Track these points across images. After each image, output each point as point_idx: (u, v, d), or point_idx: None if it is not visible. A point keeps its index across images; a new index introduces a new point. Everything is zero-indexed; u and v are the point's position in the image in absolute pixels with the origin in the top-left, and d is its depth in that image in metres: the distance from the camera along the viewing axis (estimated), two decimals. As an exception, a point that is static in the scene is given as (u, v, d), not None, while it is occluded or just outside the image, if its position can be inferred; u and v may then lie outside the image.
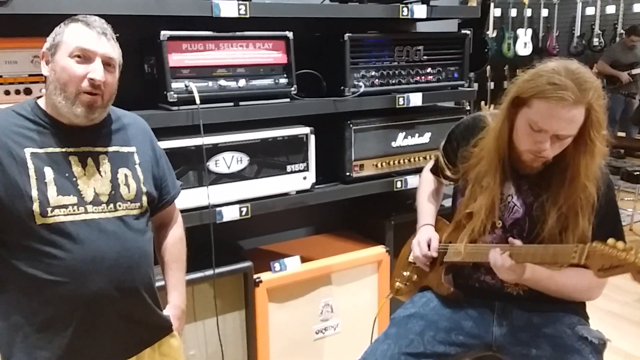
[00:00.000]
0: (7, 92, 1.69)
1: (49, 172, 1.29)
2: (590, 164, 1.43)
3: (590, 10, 7.93)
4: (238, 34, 1.96)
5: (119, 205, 1.38)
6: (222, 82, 1.94)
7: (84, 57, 1.30)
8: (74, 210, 1.30)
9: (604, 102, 1.39)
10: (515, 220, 1.58)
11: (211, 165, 1.96)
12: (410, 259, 1.83)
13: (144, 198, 1.44)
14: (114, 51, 1.35)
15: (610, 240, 1.30)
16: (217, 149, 1.96)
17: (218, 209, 1.98)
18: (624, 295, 3.35)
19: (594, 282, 1.49)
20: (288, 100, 2.10)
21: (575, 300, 1.61)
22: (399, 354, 1.59)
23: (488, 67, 6.99)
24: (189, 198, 1.91)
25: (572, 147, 1.43)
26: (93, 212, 1.33)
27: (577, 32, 8.00)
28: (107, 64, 1.33)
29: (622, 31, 7.33)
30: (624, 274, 1.30)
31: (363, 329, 2.36)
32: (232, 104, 1.98)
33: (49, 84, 1.32)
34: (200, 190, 1.94)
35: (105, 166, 1.38)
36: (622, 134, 6.85)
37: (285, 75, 2.07)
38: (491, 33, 7.55)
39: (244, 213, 2.03)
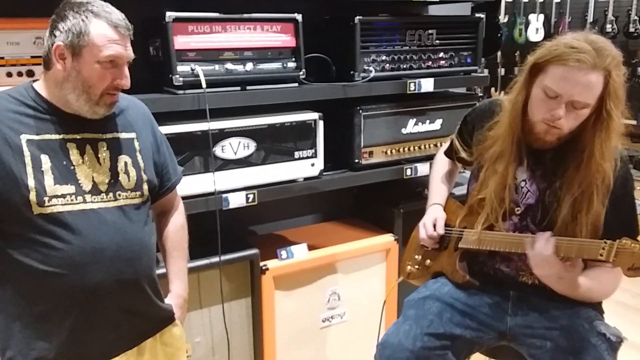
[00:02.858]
0: (9, 74, 1.66)
1: (45, 160, 1.25)
2: (606, 141, 1.39)
3: (603, -4, 7.79)
4: (245, 15, 1.91)
5: (119, 195, 1.34)
6: (229, 66, 1.90)
7: (113, 64, 1.27)
8: (72, 200, 1.27)
9: (623, 73, 1.35)
10: (528, 206, 1.55)
11: (217, 150, 1.93)
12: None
13: (145, 186, 1.41)
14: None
15: None
16: (223, 134, 1.93)
17: (224, 195, 1.95)
18: (635, 285, 3.31)
19: (617, 283, 1.48)
20: (296, 84, 2.05)
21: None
22: (421, 334, 1.57)
23: (499, 53, 6.89)
24: (194, 184, 1.88)
25: (588, 123, 1.40)
26: (92, 202, 1.30)
27: (590, 18, 7.84)
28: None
29: (636, 17, 7.18)
30: None
31: (370, 317, 2.34)
32: (239, 88, 1.94)
33: (62, 80, 1.26)
34: (206, 176, 1.91)
35: (104, 154, 1.34)
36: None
37: (293, 59, 2.02)
38: (502, 18, 7.43)
39: (250, 200, 2.00)
